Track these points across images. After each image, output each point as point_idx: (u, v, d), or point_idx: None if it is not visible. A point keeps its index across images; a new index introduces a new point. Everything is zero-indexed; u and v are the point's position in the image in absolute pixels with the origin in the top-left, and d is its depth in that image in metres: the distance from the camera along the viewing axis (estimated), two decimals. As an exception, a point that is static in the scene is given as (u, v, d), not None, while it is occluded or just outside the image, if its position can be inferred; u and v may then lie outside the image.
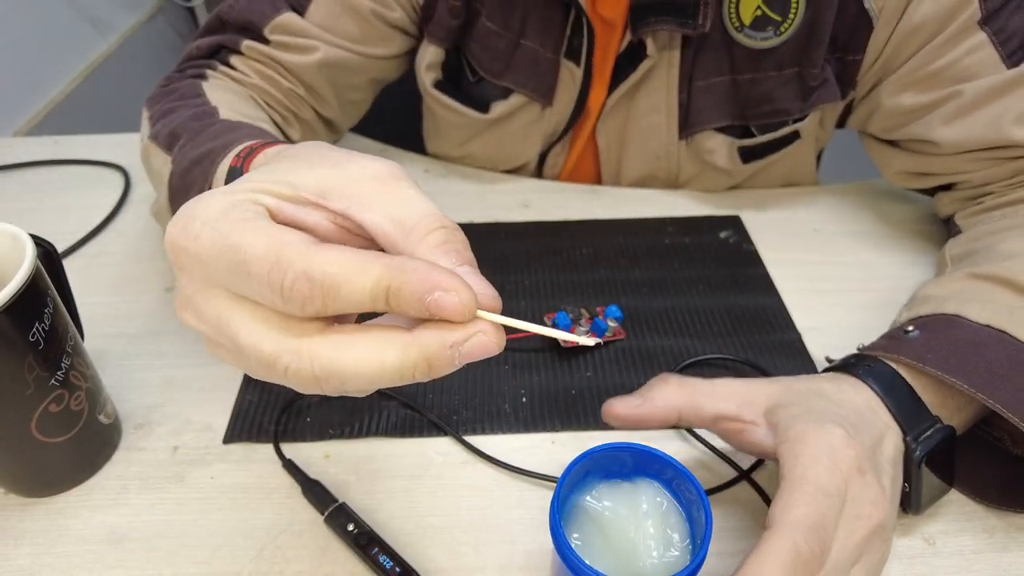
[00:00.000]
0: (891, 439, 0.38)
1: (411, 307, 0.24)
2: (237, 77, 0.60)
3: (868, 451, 0.36)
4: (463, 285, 0.25)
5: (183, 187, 0.43)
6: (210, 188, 0.39)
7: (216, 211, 0.26)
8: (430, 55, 0.67)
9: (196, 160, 0.42)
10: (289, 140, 0.60)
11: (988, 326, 0.42)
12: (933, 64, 0.56)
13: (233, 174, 0.37)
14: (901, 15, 0.56)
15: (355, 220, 0.27)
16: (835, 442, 0.35)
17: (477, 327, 0.26)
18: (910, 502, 0.39)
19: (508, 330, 0.28)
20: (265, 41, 0.60)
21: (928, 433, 0.39)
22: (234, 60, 0.61)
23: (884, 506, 0.34)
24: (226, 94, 0.57)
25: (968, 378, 0.39)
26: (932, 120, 0.57)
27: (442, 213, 0.28)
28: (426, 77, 0.68)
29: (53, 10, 1.36)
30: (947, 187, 0.61)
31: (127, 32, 1.60)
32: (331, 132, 0.69)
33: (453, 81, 0.69)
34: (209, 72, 0.60)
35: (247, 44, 0.60)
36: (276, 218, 0.27)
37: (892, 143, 0.63)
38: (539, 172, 0.74)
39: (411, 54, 0.70)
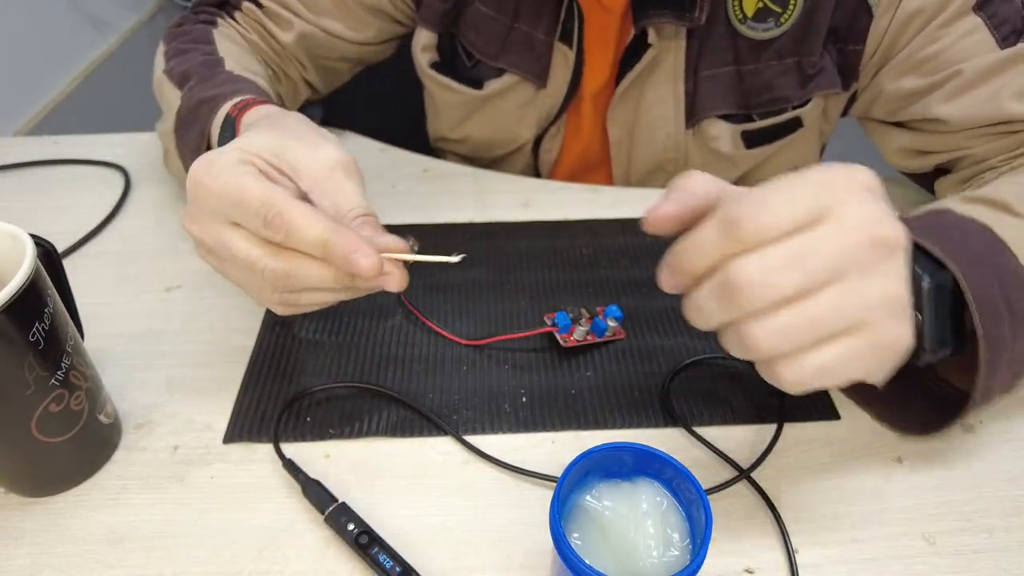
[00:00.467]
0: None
1: (339, 261, 0.36)
2: (240, 31, 0.69)
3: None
4: (374, 252, 0.36)
5: (189, 120, 0.54)
6: (210, 127, 0.51)
7: (231, 162, 0.38)
8: (424, 38, 0.71)
9: (203, 100, 0.53)
10: (279, 96, 0.70)
11: (974, 220, 0.42)
12: (931, 48, 0.57)
13: (228, 120, 0.49)
14: (899, 2, 0.57)
15: (313, 201, 0.40)
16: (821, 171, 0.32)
17: (385, 271, 0.38)
18: (923, 334, 0.37)
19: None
20: (259, 4, 0.68)
21: (931, 271, 0.37)
22: (237, 15, 0.69)
23: (898, 230, 0.31)
24: (232, 45, 0.65)
25: (942, 247, 0.38)
26: (932, 100, 0.58)
27: (366, 204, 0.40)
28: (422, 58, 0.72)
29: (53, 10, 1.37)
30: (945, 171, 0.62)
31: (127, 32, 1.60)
32: (313, 92, 0.76)
33: (450, 65, 0.72)
34: (219, 20, 0.68)
35: (246, 5, 0.68)
36: (265, 176, 0.39)
37: (894, 123, 0.64)
38: (535, 157, 0.75)
39: (393, 43, 0.75)
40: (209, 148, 0.52)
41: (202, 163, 0.38)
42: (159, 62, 0.64)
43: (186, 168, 0.53)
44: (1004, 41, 0.55)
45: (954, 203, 0.47)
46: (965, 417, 0.40)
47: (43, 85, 1.35)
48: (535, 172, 0.76)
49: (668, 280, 0.34)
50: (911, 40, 0.58)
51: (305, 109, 1.04)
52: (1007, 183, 0.49)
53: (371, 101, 0.90)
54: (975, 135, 0.57)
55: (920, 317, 0.37)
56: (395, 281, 0.39)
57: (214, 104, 0.51)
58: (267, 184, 0.37)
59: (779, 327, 0.30)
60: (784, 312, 0.30)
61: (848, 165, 0.32)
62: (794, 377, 0.32)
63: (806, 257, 0.30)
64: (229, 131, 0.48)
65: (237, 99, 0.50)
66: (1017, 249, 0.41)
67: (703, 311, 0.32)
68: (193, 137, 0.53)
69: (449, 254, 0.45)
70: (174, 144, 0.57)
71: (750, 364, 0.33)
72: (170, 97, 0.58)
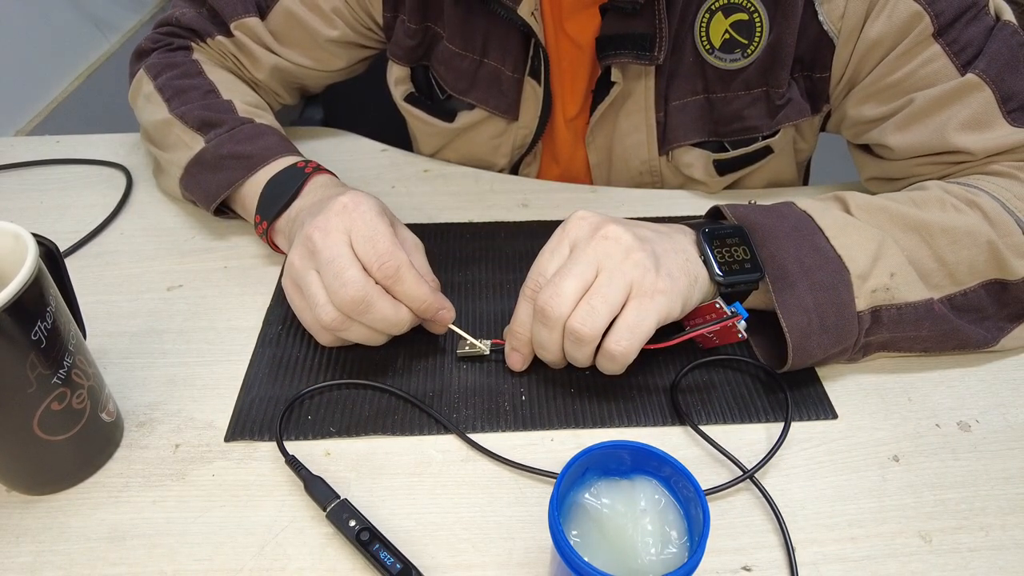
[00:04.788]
0: (683, 237, 0.49)
1: (428, 314, 0.49)
2: (216, 59, 0.70)
3: (625, 230, 0.46)
4: (450, 308, 0.50)
5: (214, 166, 0.60)
6: (247, 179, 0.59)
7: (376, 209, 0.49)
8: (397, 71, 0.72)
9: (235, 155, 0.60)
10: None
11: (805, 212, 0.50)
12: (892, 76, 0.58)
13: (296, 172, 0.58)
14: (859, 33, 0.58)
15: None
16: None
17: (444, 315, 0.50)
18: (710, 267, 0.48)
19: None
20: (230, 34, 0.69)
21: (713, 226, 0.49)
22: (210, 42, 0.70)
23: (626, 237, 0.45)
24: (222, 74, 0.68)
25: (742, 215, 0.50)
26: (887, 127, 0.59)
27: (429, 269, 0.52)
28: (396, 91, 0.74)
29: (56, 10, 1.37)
30: None
31: (129, 32, 1.60)
32: (286, 108, 0.80)
33: (427, 94, 0.73)
34: (192, 45, 0.70)
35: (218, 39, 0.69)
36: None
37: (863, 148, 0.65)
38: None
39: (366, 62, 0.76)
40: (228, 196, 0.60)
41: (353, 197, 0.49)
42: (154, 97, 0.66)
43: (190, 199, 0.63)
44: (964, 67, 0.55)
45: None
46: (800, 347, 0.46)
47: (45, 85, 1.36)
48: None
49: (517, 359, 0.50)
50: (873, 69, 0.59)
51: (305, 109, 1.04)
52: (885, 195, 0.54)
53: (372, 103, 0.90)
54: (923, 163, 0.59)
55: (707, 254, 0.48)
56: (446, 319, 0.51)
57: (254, 161, 0.59)
58: (396, 240, 0.48)
59: (583, 312, 0.43)
60: (582, 303, 0.44)
61: (574, 213, 0.48)
62: (619, 346, 0.44)
63: (571, 269, 0.45)
64: (296, 180, 0.57)
65: (295, 159, 0.60)
66: (824, 223, 0.49)
67: (546, 345, 0.46)
68: (214, 181, 0.60)
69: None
70: (179, 174, 0.63)
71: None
72: (185, 138, 0.63)
